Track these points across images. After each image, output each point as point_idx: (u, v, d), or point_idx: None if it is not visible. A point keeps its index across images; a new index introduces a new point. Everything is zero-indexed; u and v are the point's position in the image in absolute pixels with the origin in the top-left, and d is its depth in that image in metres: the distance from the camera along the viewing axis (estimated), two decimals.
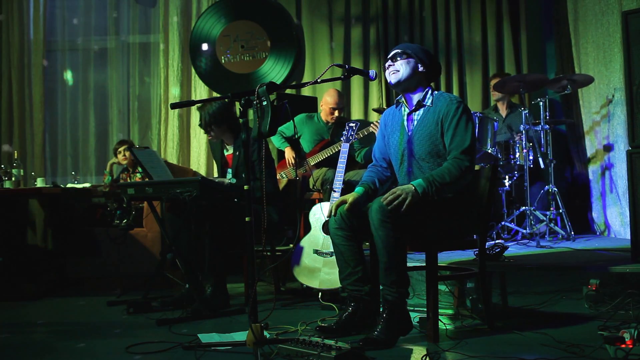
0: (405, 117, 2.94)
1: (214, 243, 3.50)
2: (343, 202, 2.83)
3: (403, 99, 2.96)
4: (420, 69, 2.88)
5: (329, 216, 2.87)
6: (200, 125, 3.86)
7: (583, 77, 4.88)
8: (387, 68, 2.91)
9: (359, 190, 2.93)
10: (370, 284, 2.87)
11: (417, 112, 2.90)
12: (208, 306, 3.39)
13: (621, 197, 4.82)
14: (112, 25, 6.22)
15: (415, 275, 3.40)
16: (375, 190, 2.98)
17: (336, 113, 4.92)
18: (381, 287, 2.69)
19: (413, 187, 2.65)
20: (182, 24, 6.11)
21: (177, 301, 3.56)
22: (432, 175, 2.69)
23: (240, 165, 3.76)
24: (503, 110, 5.44)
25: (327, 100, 4.95)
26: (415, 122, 2.89)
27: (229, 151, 3.96)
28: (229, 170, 3.93)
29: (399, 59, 2.88)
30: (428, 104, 2.87)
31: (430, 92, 2.90)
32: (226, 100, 3.51)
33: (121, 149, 5.19)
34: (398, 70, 2.86)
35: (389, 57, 2.93)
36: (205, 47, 6.02)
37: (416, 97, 2.90)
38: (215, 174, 5.82)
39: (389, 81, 2.91)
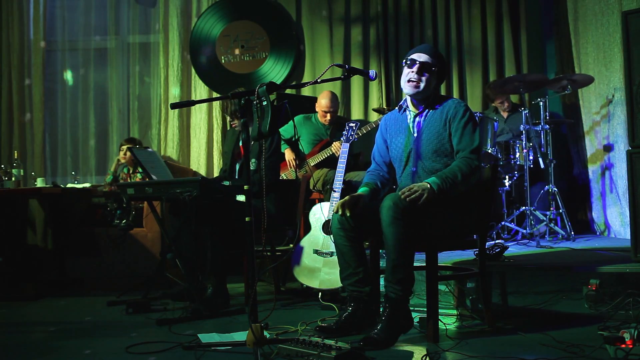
0: (411, 120, 2.98)
1: (215, 243, 3.50)
2: (351, 201, 2.81)
3: (409, 104, 2.99)
4: (436, 82, 2.96)
5: (336, 212, 2.83)
6: (225, 112, 3.97)
7: (583, 77, 4.88)
8: (409, 73, 2.89)
9: (363, 190, 2.94)
10: (371, 285, 2.87)
11: (424, 114, 2.96)
12: (208, 306, 3.39)
13: (621, 197, 4.82)
14: (112, 25, 6.22)
15: (415, 275, 3.38)
16: (378, 191, 3.01)
17: (328, 116, 4.90)
18: (385, 284, 2.68)
19: (428, 185, 2.68)
20: (182, 24, 6.11)
21: (178, 294, 3.57)
22: (445, 173, 2.75)
23: (252, 155, 3.80)
24: (504, 112, 5.44)
25: (320, 102, 4.94)
26: (423, 124, 2.94)
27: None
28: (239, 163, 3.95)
29: (426, 74, 2.88)
30: (434, 106, 2.95)
31: (435, 94, 2.98)
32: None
33: (124, 146, 5.17)
34: (420, 83, 2.88)
35: (416, 59, 2.90)
36: (207, 52, 6.02)
37: (423, 101, 2.96)
38: (216, 170, 5.87)
39: (405, 89, 2.91)
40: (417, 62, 2.89)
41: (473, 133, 2.86)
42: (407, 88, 2.91)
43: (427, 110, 2.96)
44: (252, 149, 3.82)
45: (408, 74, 2.90)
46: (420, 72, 2.88)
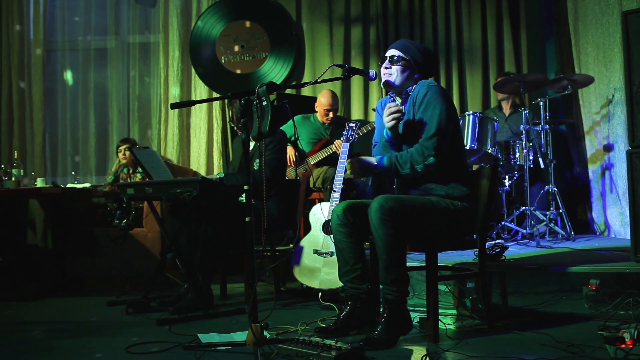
0: None
1: (206, 242, 3.49)
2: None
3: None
4: (416, 75, 2.87)
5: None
6: (231, 120, 4.08)
7: (583, 77, 4.87)
8: (383, 68, 2.87)
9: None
10: (369, 283, 2.87)
11: (405, 105, 2.88)
12: (189, 305, 3.38)
13: (621, 197, 4.81)
14: (112, 25, 6.22)
15: (415, 275, 3.39)
16: None
17: (330, 114, 4.91)
18: (381, 287, 2.69)
19: (374, 162, 2.76)
20: (182, 24, 6.11)
21: (176, 301, 3.56)
22: (397, 156, 2.75)
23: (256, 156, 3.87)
24: (507, 110, 5.44)
25: (321, 101, 4.95)
26: (404, 117, 2.86)
27: (252, 147, 3.99)
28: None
29: (395, 65, 2.83)
30: (412, 94, 2.86)
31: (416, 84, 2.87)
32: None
33: (122, 147, 5.19)
34: (392, 74, 2.84)
35: (387, 55, 2.88)
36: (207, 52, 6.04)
37: (402, 93, 2.90)
38: (216, 170, 5.89)
39: (381, 81, 2.89)
40: (387, 58, 2.87)
41: (432, 116, 2.71)
42: (383, 79, 2.87)
43: (407, 99, 2.86)
44: (254, 150, 3.84)
45: (384, 67, 2.86)
46: (394, 65, 2.83)
